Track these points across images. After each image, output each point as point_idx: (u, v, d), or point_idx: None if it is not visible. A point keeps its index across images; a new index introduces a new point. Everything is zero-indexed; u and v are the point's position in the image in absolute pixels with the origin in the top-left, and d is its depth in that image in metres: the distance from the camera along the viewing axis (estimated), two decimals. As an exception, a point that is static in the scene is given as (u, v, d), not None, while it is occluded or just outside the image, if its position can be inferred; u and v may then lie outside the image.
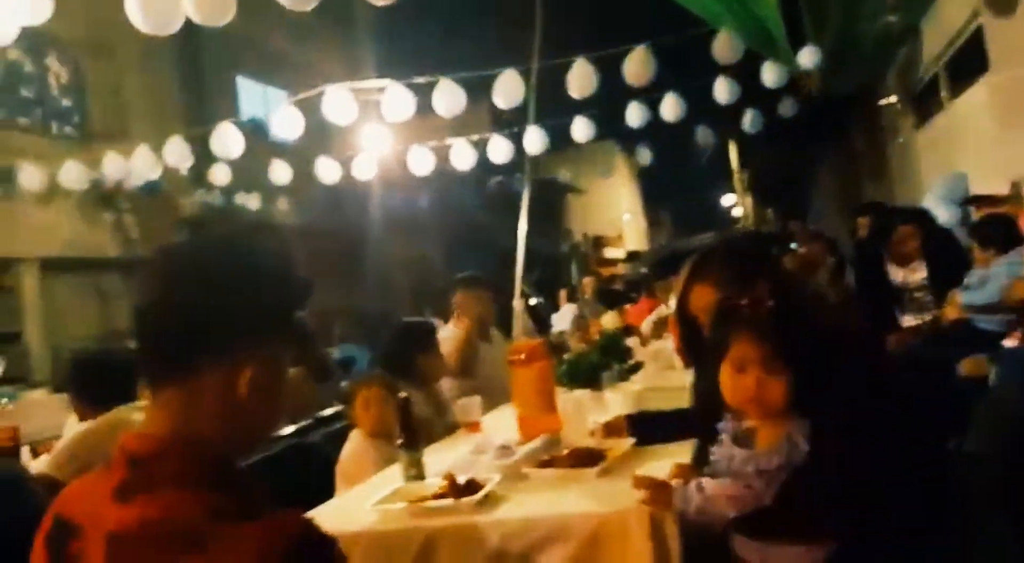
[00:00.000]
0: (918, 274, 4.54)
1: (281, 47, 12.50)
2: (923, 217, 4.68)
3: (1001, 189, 4.74)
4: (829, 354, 1.59)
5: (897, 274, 4.70)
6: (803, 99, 8.36)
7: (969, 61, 6.10)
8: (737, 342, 1.59)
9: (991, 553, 2.31)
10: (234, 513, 0.87)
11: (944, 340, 3.96)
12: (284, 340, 1.04)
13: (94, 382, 2.76)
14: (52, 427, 3.58)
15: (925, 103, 7.91)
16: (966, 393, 3.01)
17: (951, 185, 5.09)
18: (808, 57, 6.17)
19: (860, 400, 1.60)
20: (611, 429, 2.18)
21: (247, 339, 0.97)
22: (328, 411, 3.94)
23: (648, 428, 2.15)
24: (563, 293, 9.19)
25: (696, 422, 1.81)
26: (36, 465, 2.79)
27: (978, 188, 5.20)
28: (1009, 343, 3.59)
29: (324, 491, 2.49)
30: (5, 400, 4.40)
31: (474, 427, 2.72)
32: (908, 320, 4.54)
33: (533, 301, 9.79)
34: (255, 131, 9.04)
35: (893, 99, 8.93)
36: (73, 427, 3.54)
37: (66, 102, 9.90)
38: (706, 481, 1.61)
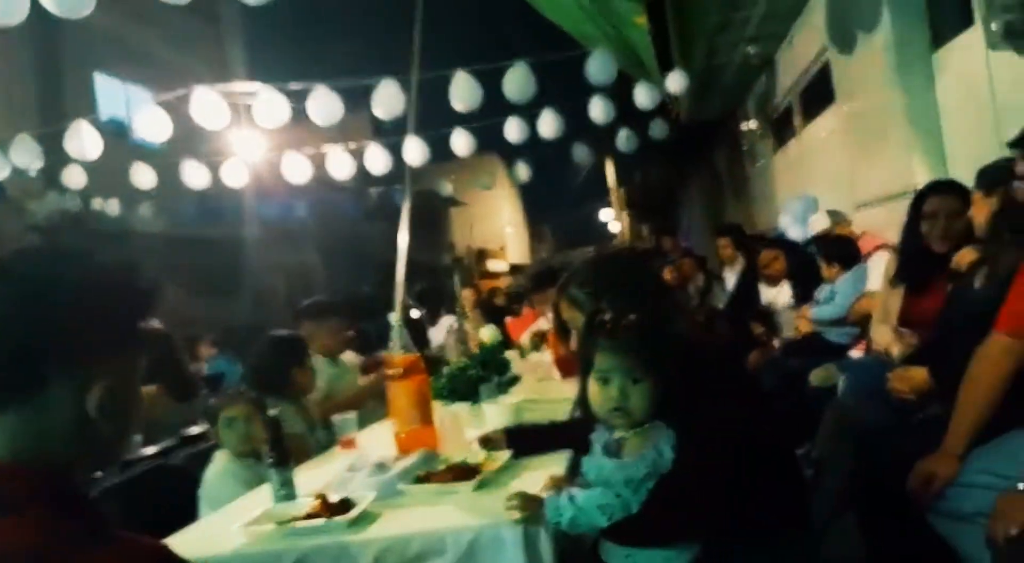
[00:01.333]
0: (785, 294, 4.90)
1: (146, 44, 11.80)
2: (784, 243, 5.08)
3: (847, 211, 5.18)
4: (691, 365, 1.67)
5: (767, 293, 5.04)
6: (673, 122, 8.79)
7: (818, 92, 6.63)
8: (601, 354, 1.65)
9: (840, 550, 2.50)
10: (82, 539, 0.82)
11: (798, 352, 4.26)
12: (132, 354, 0.99)
13: None
14: None
15: (781, 129, 8.50)
16: (816, 402, 3.23)
17: (802, 207, 5.51)
18: (675, 82, 6.50)
19: (721, 409, 1.69)
20: (489, 442, 2.19)
21: (92, 354, 0.92)
22: (194, 430, 3.74)
23: (525, 440, 2.18)
24: (441, 308, 9.15)
25: (578, 433, 1.85)
26: None
27: (828, 207, 5.64)
28: (854, 354, 3.92)
29: (188, 515, 2.36)
30: None
31: (349, 444, 2.66)
32: (776, 340, 4.87)
33: (416, 314, 9.68)
34: (116, 132, 8.48)
35: (753, 125, 9.55)
36: None
37: None
38: (577, 491, 1.65)
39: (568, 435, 2.07)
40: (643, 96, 6.47)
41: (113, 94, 12.14)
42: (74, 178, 7.19)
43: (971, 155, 3.46)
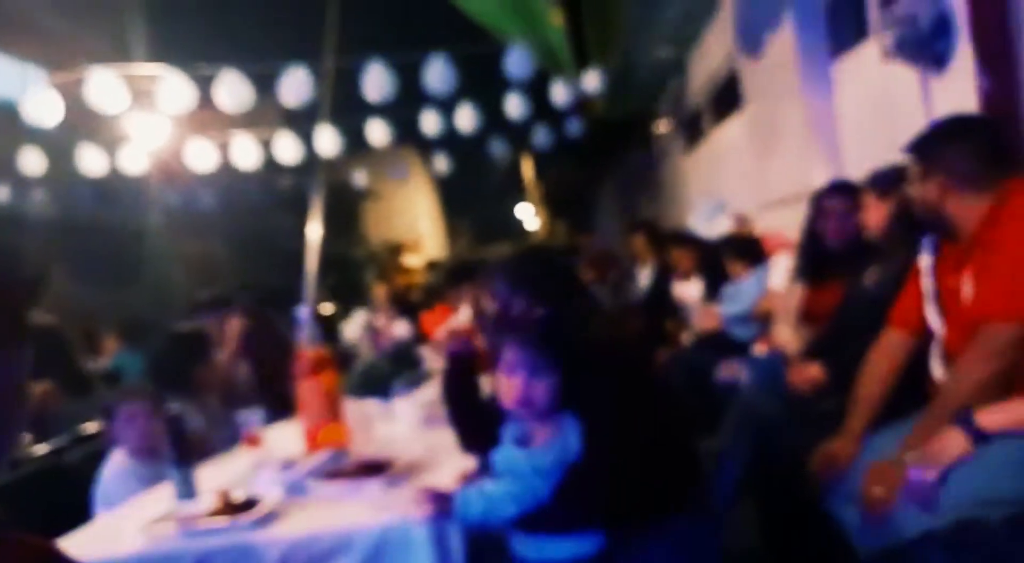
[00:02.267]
0: (695, 289, 5.04)
1: (41, 19, 11.04)
2: (695, 240, 5.23)
3: (753, 211, 5.39)
4: (596, 359, 1.71)
5: (679, 288, 5.18)
6: (589, 120, 8.92)
7: (726, 96, 6.85)
8: (507, 349, 1.68)
9: (739, 536, 2.61)
10: None
11: (706, 348, 4.40)
12: (16, 347, 0.92)
13: None
14: None
15: (692, 131, 8.74)
16: (722, 396, 3.34)
17: (710, 207, 5.70)
18: (591, 80, 6.59)
19: (625, 401, 1.74)
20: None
21: None
22: (90, 428, 3.55)
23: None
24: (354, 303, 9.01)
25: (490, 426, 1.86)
26: None
27: (735, 207, 5.85)
28: (757, 350, 4.09)
29: (82, 516, 2.24)
30: None
31: (254, 441, 2.57)
32: (686, 333, 5.01)
33: (328, 308, 9.48)
34: (7, 113, 7.90)
35: (665, 126, 9.79)
36: None
37: None
38: (487, 483, 1.67)
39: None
40: (559, 93, 6.54)
41: (6, 72, 11.30)
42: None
43: (866, 160, 3.65)
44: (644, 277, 6.59)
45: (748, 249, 4.42)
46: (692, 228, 6.15)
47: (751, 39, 5.56)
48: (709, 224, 5.42)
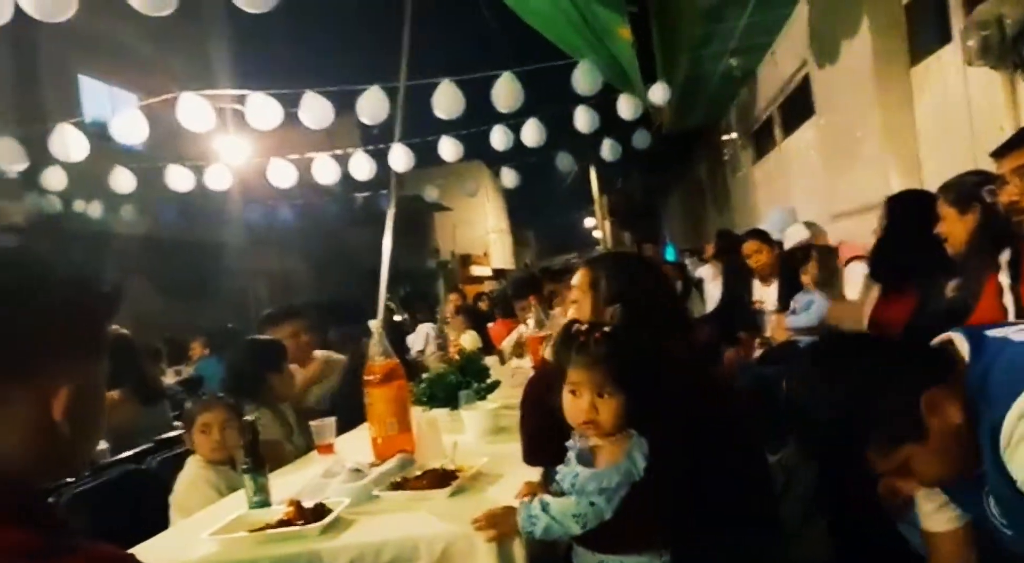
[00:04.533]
0: (772, 295, 4.89)
1: (131, 46, 11.72)
2: (763, 235, 5.04)
3: (823, 222, 5.25)
4: (662, 375, 1.68)
5: (761, 293, 5.02)
6: (655, 132, 8.86)
7: (798, 105, 6.71)
8: (572, 367, 1.66)
9: (810, 555, 2.54)
10: (42, 550, 0.81)
11: (774, 359, 4.30)
12: (97, 358, 0.97)
13: None
14: None
15: (761, 141, 8.59)
16: (789, 409, 3.26)
17: (779, 217, 5.57)
18: (658, 93, 6.55)
19: (693, 417, 1.71)
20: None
21: (54, 358, 0.90)
22: (169, 434, 3.71)
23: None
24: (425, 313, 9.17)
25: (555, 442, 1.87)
26: None
27: (805, 218, 5.70)
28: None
29: (161, 522, 2.35)
30: None
31: (327, 449, 2.66)
32: (758, 339, 4.87)
33: (398, 318, 9.68)
34: (100, 134, 8.41)
35: (734, 135, 9.63)
36: None
37: None
38: (552, 500, 1.66)
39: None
40: (626, 107, 6.52)
41: (98, 96, 12.05)
42: (54, 180, 7.14)
43: (946, 168, 3.53)
44: (714, 286, 6.50)
45: (819, 259, 4.29)
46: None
47: (824, 47, 5.44)
48: (781, 234, 5.29)
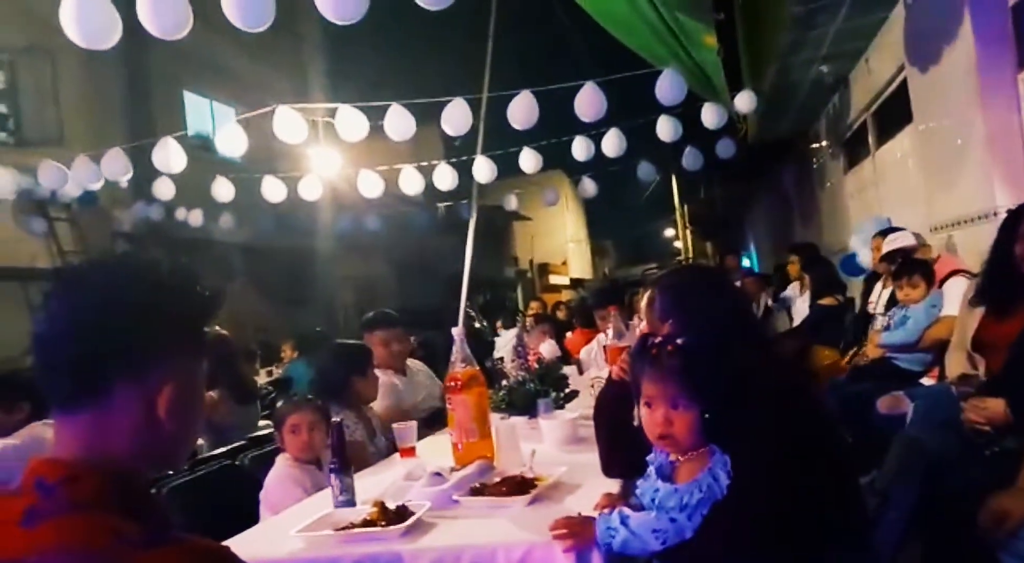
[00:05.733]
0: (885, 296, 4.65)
1: (231, 64, 12.36)
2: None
3: (921, 233, 5.00)
4: (741, 390, 1.64)
5: (877, 293, 4.78)
6: (740, 141, 8.67)
7: (894, 112, 6.43)
8: (645, 380, 1.65)
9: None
10: (144, 539, 0.86)
11: (866, 377, 4.12)
12: (197, 356, 1.03)
13: (18, 397, 2.67)
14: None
15: (853, 149, 8.27)
16: (884, 429, 3.13)
17: (874, 228, 5.34)
18: (744, 102, 6.41)
19: (779, 435, 1.66)
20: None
21: (159, 357, 0.97)
22: (261, 432, 3.87)
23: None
24: (499, 322, 9.25)
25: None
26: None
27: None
28: (927, 382, 3.78)
29: (252, 516, 2.45)
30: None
31: (409, 453, 2.72)
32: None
33: (478, 326, 9.82)
34: (201, 146, 8.90)
35: (824, 144, 9.32)
36: None
37: (0, 107, 9.58)
38: (631, 514, 1.64)
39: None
40: (710, 116, 6.41)
41: (200, 110, 12.75)
42: (163, 190, 7.59)
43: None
44: (802, 301, 6.30)
45: (924, 271, 4.08)
46: (854, 250, 5.81)
47: (923, 51, 5.21)
48: (869, 246, 5.07)
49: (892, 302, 4.32)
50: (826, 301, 5.79)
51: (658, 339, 1.69)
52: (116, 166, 6.55)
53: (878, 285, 4.87)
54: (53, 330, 0.95)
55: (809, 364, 4.87)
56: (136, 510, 0.91)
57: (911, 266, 4.14)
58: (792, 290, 6.71)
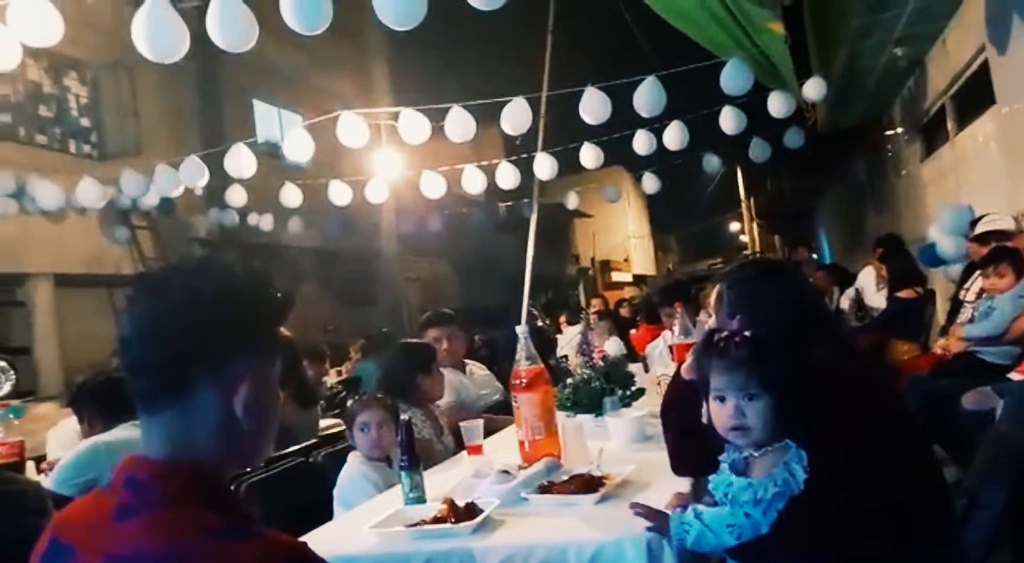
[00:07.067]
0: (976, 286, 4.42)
1: (296, 71, 12.70)
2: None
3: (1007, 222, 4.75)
4: (816, 383, 1.60)
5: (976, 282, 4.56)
6: (809, 130, 8.42)
7: (975, 94, 6.14)
8: (714, 373, 1.63)
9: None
10: (228, 533, 0.89)
11: (948, 372, 3.95)
12: (271, 356, 1.06)
13: (109, 398, 2.79)
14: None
15: (931, 135, 7.94)
16: (970, 426, 3.00)
17: (956, 218, 5.10)
18: (814, 89, 6.21)
19: (858, 431, 1.61)
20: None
21: (238, 358, 0.99)
22: (330, 431, 3.95)
23: None
24: (563, 317, 9.21)
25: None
26: (43, 481, 2.82)
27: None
28: (1015, 376, 3.59)
29: (327, 512, 2.50)
30: (12, 415, 4.46)
31: (476, 450, 2.74)
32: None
33: (541, 324, 9.81)
34: (270, 153, 9.18)
35: (899, 131, 8.97)
36: (58, 439, 3.57)
37: (84, 121, 10.08)
38: (705, 509, 1.62)
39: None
40: (777, 105, 6.24)
41: (268, 118, 13.15)
42: (236, 196, 7.86)
43: None
44: (878, 294, 6.08)
45: (1011, 261, 3.87)
46: (933, 240, 5.56)
47: (1006, 29, 4.95)
48: (953, 235, 4.84)
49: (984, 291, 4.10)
50: (904, 294, 5.56)
51: (724, 333, 1.67)
52: (193, 174, 6.81)
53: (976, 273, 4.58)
54: (136, 332, 0.99)
55: (887, 359, 4.70)
56: (220, 505, 0.94)
57: (999, 254, 3.93)
58: (865, 277, 6.45)
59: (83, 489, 2.14)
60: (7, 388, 5.82)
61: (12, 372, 6.04)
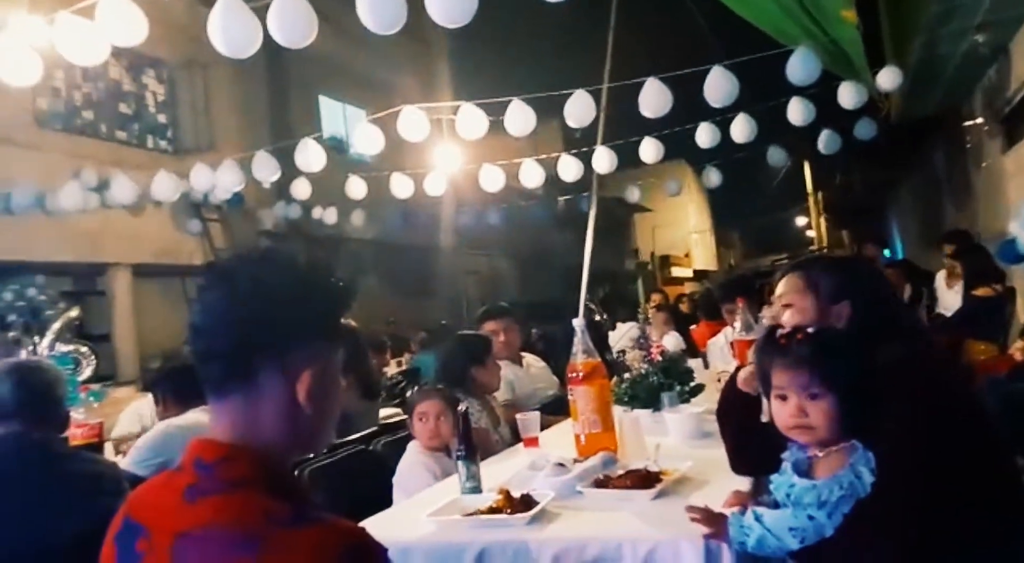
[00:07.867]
0: None
1: (360, 67, 12.92)
2: None
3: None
4: (887, 382, 1.55)
5: None
6: (882, 121, 8.10)
7: (1063, 82, 5.82)
8: (776, 371, 1.59)
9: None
10: (290, 517, 0.92)
11: (1028, 375, 3.77)
12: (334, 345, 1.08)
13: (184, 383, 2.91)
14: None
15: (1015, 125, 7.55)
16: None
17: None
18: (888, 78, 5.97)
19: (931, 433, 1.54)
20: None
21: (301, 345, 1.02)
22: (394, 419, 4.02)
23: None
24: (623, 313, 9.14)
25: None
26: (120, 462, 2.95)
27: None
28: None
29: (386, 499, 2.55)
30: (92, 398, 4.68)
31: (532, 442, 2.75)
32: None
33: (598, 318, 9.75)
34: (334, 147, 9.37)
35: (979, 121, 8.56)
36: (128, 416, 3.72)
37: (161, 118, 10.49)
38: (765, 511, 1.59)
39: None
40: (848, 95, 6.01)
41: (333, 113, 13.44)
42: (301, 190, 8.06)
43: None
44: (950, 294, 5.84)
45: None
46: (1014, 235, 5.30)
47: (1097, 12, 4.67)
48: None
49: None
50: (982, 292, 5.32)
51: (785, 330, 1.62)
52: (264, 168, 7.00)
53: None
54: (205, 320, 1.03)
55: (963, 359, 4.51)
56: (283, 490, 0.97)
57: None
58: (938, 277, 6.21)
59: (156, 470, 2.23)
60: (88, 373, 6.12)
61: (93, 357, 6.33)
